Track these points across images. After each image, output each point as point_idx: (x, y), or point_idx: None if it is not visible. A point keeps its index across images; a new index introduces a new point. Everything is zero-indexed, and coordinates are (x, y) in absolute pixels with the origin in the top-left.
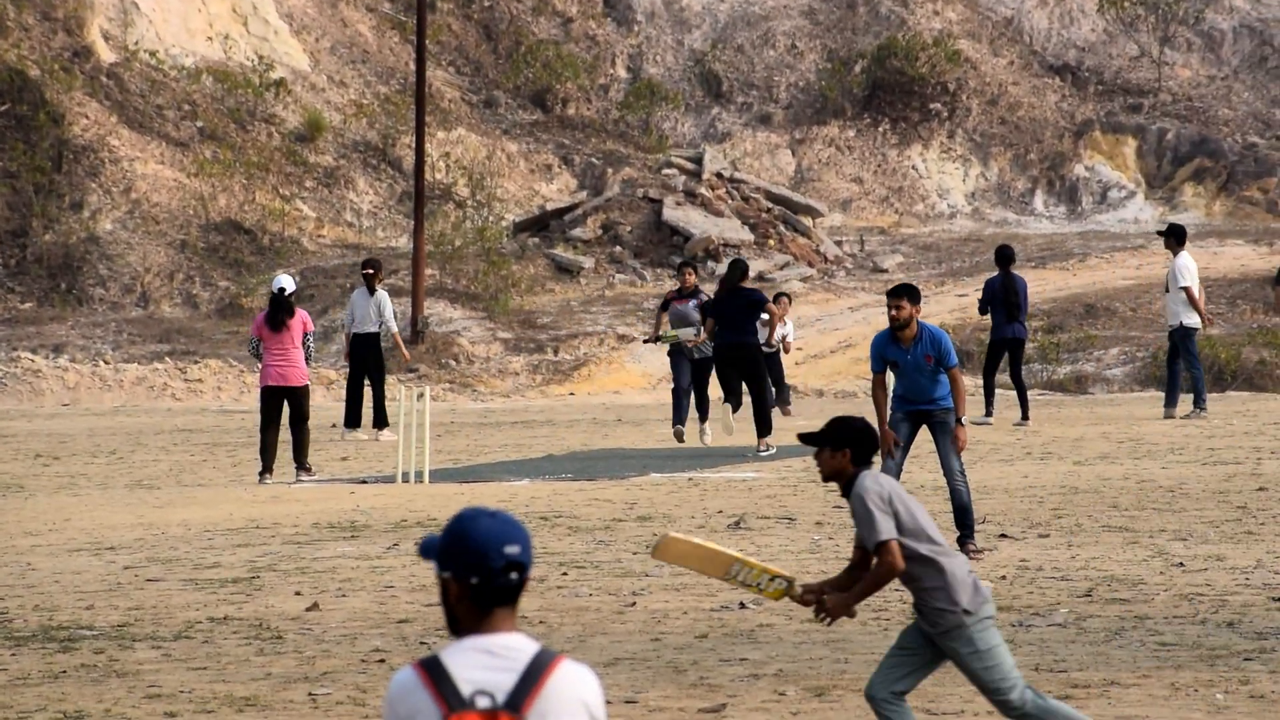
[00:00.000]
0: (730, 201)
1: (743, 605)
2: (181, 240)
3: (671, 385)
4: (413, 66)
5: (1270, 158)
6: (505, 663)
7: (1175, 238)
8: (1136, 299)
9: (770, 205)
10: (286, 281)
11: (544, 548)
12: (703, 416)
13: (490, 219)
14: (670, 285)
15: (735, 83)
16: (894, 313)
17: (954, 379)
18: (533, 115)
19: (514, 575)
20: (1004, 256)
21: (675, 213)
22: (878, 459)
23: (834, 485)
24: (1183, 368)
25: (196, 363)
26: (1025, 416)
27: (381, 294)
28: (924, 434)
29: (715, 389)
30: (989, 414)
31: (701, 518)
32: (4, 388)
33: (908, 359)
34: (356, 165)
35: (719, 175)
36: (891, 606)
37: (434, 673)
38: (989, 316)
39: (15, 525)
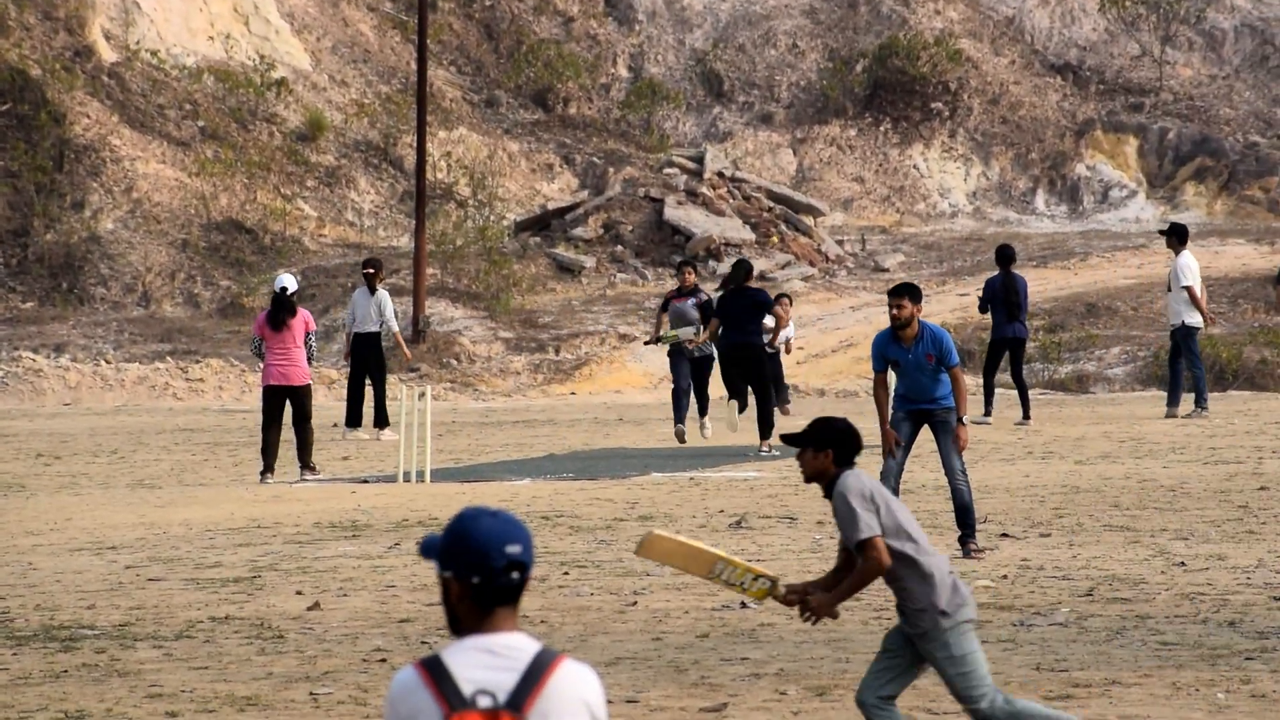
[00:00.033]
0: (731, 201)
1: (744, 605)
2: (183, 240)
3: (671, 386)
4: (414, 66)
5: (1271, 157)
6: (507, 662)
7: (1177, 237)
8: (1138, 298)
9: (772, 205)
10: (288, 281)
11: (545, 547)
12: (702, 411)
13: (491, 218)
14: (671, 285)
15: (736, 82)
16: (895, 312)
17: (955, 378)
18: (534, 115)
19: (515, 575)
20: (1004, 256)
21: (676, 212)
22: (862, 459)
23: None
24: (1185, 367)
25: (198, 362)
26: (1026, 416)
27: (382, 293)
28: (925, 433)
29: (716, 387)
30: (988, 413)
31: (703, 517)
32: (5, 387)
33: (909, 358)
34: (358, 165)
35: (720, 174)
36: (893, 605)
37: (435, 672)
38: (989, 315)
39: (17, 525)
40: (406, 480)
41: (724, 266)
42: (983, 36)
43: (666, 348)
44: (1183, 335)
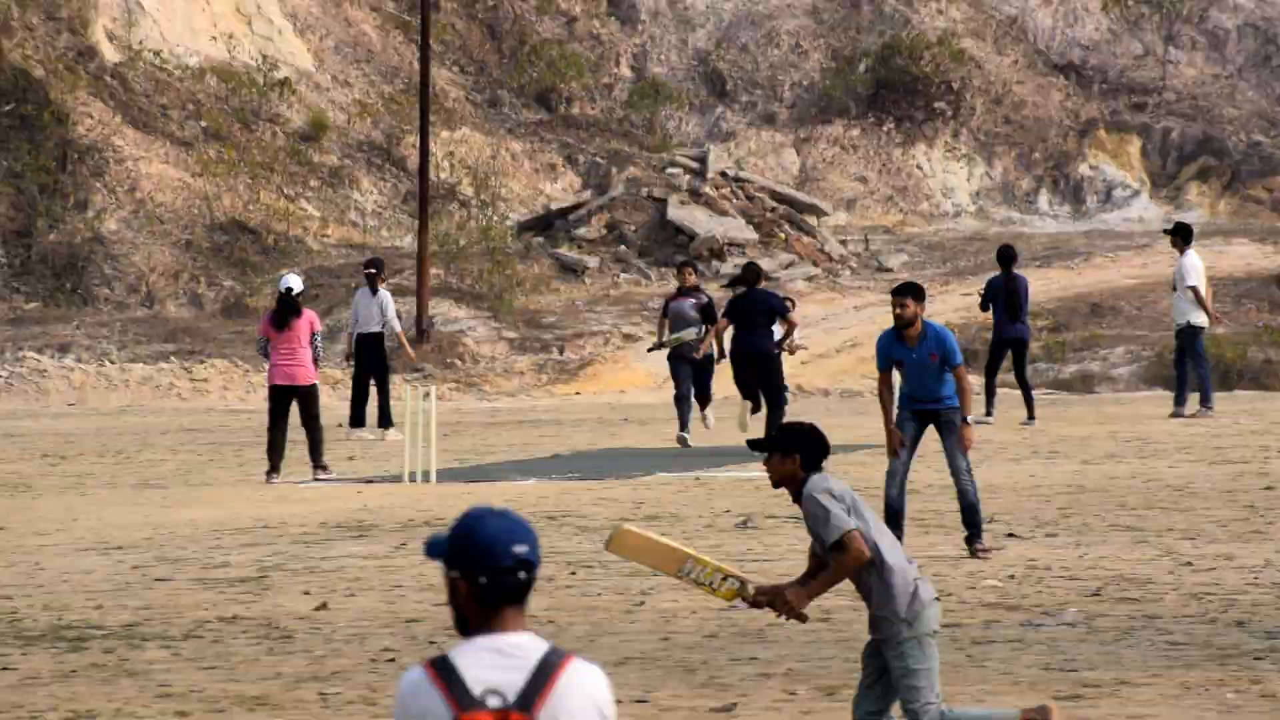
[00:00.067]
0: (735, 201)
1: (751, 605)
2: (186, 240)
3: (674, 392)
4: (416, 66)
5: (1275, 156)
6: (515, 662)
7: (1181, 236)
8: (1142, 298)
9: (775, 204)
10: (293, 281)
11: (552, 547)
12: (703, 404)
13: (495, 218)
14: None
15: (739, 82)
16: (899, 311)
17: (959, 378)
18: (537, 114)
19: (522, 574)
20: (1006, 256)
21: (680, 212)
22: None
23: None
24: (1190, 367)
25: (202, 362)
26: (1031, 416)
27: (384, 294)
28: (931, 433)
29: (720, 385)
30: (989, 413)
31: (709, 517)
32: (10, 387)
33: (913, 358)
34: (361, 165)
35: (723, 174)
36: None
37: (444, 672)
38: (990, 315)
39: (23, 525)
40: (412, 480)
41: (727, 267)
42: (985, 36)
43: (667, 351)
44: (1188, 335)
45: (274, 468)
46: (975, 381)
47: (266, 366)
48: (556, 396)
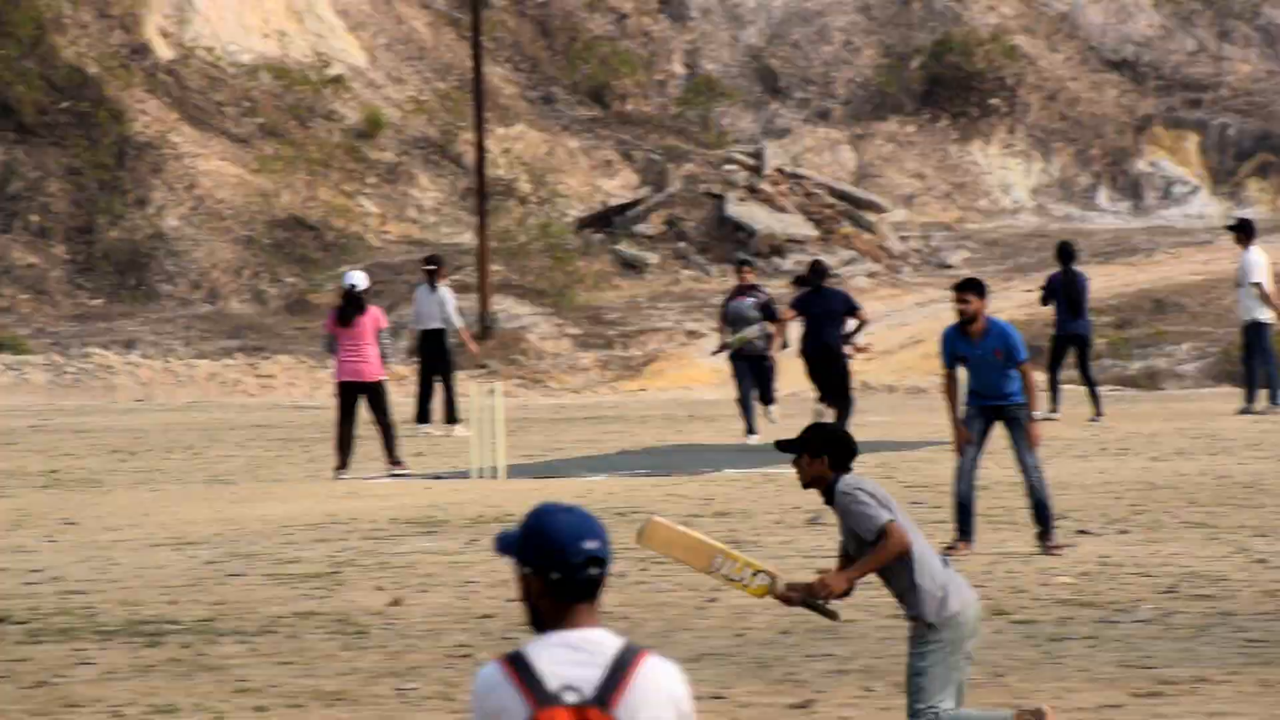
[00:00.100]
0: (793, 197)
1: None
2: (247, 236)
3: (737, 395)
4: (468, 63)
5: None
6: (590, 657)
7: (1244, 232)
8: (1205, 294)
9: (833, 201)
10: (358, 278)
11: (622, 543)
12: (767, 401)
13: (553, 215)
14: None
15: (792, 78)
16: (961, 307)
17: (1025, 374)
18: (591, 111)
19: (594, 570)
20: (1065, 253)
21: (738, 208)
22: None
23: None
24: (1258, 363)
25: (267, 358)
26: (1099, 412)
27: (443, 290)
28: (998, 429)
29: (787, 379)
30: (1055, 409)
31: (779, 513)
32: (78, 384)
33: (977, 354)
34: (417, 161)
35: (780, 171)
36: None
37: (520, 668)
38: (1051, 309)
39: (95, 520)
40: (480, 476)
41: (788, 264)
42: (1038, 32)
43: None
44: (1254, 331)
45: (343, 463)
46: (1039, 378)
47: (333, 363)
48: (621, 393)
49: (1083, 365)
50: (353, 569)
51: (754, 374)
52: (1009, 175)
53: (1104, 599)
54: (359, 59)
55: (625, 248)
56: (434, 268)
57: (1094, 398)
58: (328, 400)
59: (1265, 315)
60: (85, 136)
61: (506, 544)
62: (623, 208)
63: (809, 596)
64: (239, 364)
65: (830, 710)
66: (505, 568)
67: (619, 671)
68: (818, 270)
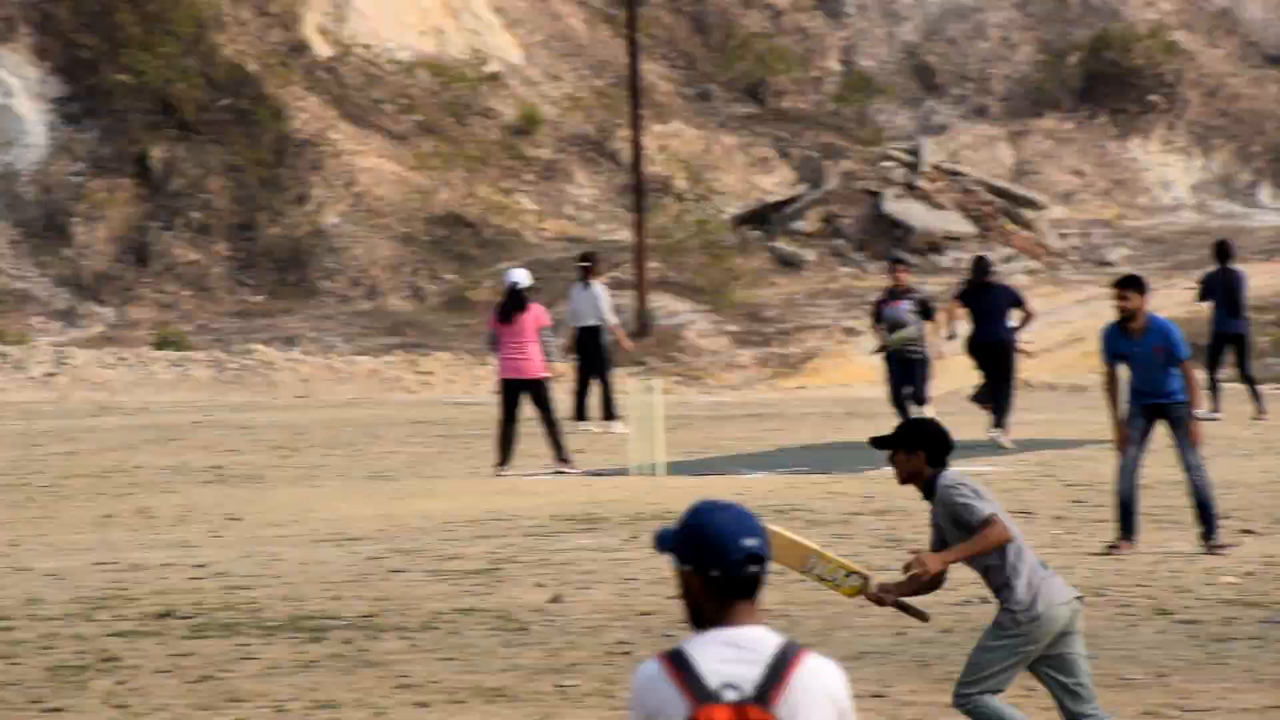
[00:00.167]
0: (950, 194)
1: (985, 600)
2: (405, 233)
3: (889, 395)
4: (624, 60)
5: None
6: (750, 655)
7: None
8: None
9: (991, 198)
10: (520, 276)
11: None
12: (920, 403)
13: (710, 212)
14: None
15: (949, 75)
16: (1122, 304)
17: (1186, 372)
18: (747, 108)
19: (754, 568)
20: (1223, 251)
21: (895, 205)
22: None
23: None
24: None
25: (426, 355)
26: (1261, 410)
27: (597, 287)
28: (1161, 427)
29: (948, 381)
30: (1216, 408)
31: None
32: (240, 380)
33: (1137, 351)
34: (574, 158)
35: (938, 167)
36: (1137, 601)
37: (680, 664)
38: (1208, 306)
39: (258, 516)
40: (639, 473)
41: (946, 260)
42: (1197, 28)
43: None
44: None
45: (503, 460)
46: (1200, 377)
47: (494, 361)
48: (780, 390)
49: (1241, 364)
50: (513, 565)
51: (907, 374)
52: (1169, 172)
53: (1270, 599)
54: (515, 56)
55: (782, 245)
56: (588, 264)
57: (1256, 396)
58: (487, 397)
59: None
60: (245, 134)
61: (666, 541)
62: (779, 205)
63: (909, 565)
64: (398, 360)
65: None
66: (665, 565)
67: (779, 669)
68: (982, 266)
